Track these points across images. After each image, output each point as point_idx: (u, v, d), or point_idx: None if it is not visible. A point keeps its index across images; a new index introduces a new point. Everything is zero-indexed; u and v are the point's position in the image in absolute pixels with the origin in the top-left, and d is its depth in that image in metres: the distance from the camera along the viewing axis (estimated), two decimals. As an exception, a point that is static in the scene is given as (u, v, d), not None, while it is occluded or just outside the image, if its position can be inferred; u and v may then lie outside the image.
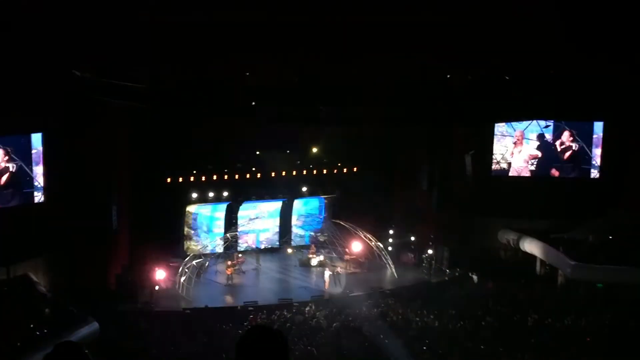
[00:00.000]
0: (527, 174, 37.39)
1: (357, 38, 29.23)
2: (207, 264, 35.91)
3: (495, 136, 37.43)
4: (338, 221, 38.79)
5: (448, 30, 29.95)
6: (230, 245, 37.97)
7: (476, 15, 30.52)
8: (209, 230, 38.79)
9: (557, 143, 36.77)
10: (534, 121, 36.81)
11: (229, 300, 33.43)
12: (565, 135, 36.68)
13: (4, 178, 29.18)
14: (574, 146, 36.64)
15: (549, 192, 35.80)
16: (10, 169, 29.24)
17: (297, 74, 30.86)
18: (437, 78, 32.04)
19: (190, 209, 37.98)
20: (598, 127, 36.72)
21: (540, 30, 30.02)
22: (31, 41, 26.42)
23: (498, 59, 31.35)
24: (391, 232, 40.67)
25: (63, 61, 27.79)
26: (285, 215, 40.38)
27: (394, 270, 36.42)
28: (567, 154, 36.76)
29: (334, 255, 38.03)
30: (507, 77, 32.50)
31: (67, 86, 28.41)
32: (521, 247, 35.22)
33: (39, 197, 30.12)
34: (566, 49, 30.51)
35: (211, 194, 37.90)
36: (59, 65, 27.72)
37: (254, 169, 39.31)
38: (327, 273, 34.68)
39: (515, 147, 37.29)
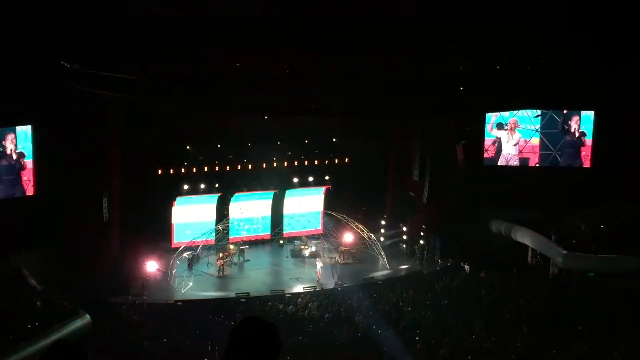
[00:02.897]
0: (516, 163, 37.45)
1: (350, 30, 29.16)
2: (198, 256, 35.89)
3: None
4: (330, 212, 38.86)
5: (441, 21, 29.93)
6: (222, 237, 37.96)
7: (468, 6, 30.55)
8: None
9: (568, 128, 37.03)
10: (525, 111, 36.95)
11: (220, 292, 33.34)
12: (574, 120, 36.87)
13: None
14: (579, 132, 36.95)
15: (541, 182, 35.87)
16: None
17: (289, 66, 30.75)
18: (427, 69, 31.96)
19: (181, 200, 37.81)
20: (589, 116, 36.87)
21: (531, 19, 30.05)
22: (20, 32, 26.25)
23: (490, 49, 31.31)
24: (383, 222, 40.76)
25: (52, 53, 27.64)
26: (277, 207, 40.33)
27: (386, 261, 36.46)
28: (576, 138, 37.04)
29: (326, 246, 38.15)
30: (498, 67, 32.47)
31: (56, 78, 28.24)
32: (513, 237, 35.26)
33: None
34: (558, 38, 30.51)
35: (202, 186, 37.88)
36: (48, 56, 27.55)
37: (245, 160, 39.31)
38: (319, 264, 34.66)
39: (508, 135, 37.36)
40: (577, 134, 36.91)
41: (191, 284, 32.96)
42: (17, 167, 29.95)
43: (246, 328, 4.32)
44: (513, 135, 37.35)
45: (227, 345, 4.26)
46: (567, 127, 37.01)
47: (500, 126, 37.43)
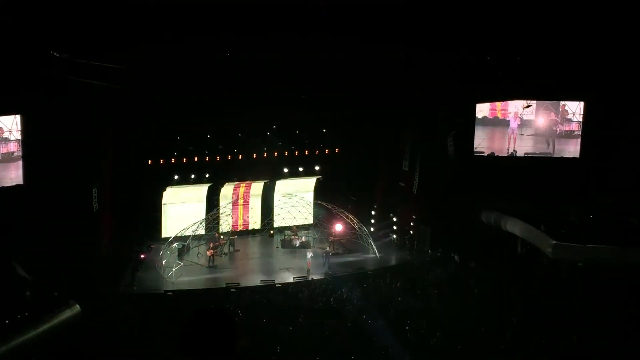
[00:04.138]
0: (507, 154, 37.46)
1: (341, 20, 29.07)
2: (188, 246, 35.85)
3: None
4: (321, 202, 38.88)
5: (430, 11, 29.87)
6: (212, 227, 37.95)
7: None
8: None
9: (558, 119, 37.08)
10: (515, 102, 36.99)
11: (210, 282, 33.32)
12: (565, 111, 36.97)
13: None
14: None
15: (531, 172, 35.91)
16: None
17: (281, 57, 30.70)
18: (419, 59, 31.95)
19: (171, 190, 37.75)
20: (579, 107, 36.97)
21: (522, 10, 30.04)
22: (8, 21, 26.08)
23: (480, 39, 31.28)
24: (373, 213, 40.80)
25: (41, 42, 27.48)
26: (267, 197, 40.34)
27: (376, 251, 36.51)
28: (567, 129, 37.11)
29: (317, 236, 38.22)
30: (488, 58, 32.48)
31: (45, 67, 28.08)
32: (503, 227, 35.35)
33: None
34: (543, 28, 30.54)
35: (192, 176, 37.83)
36: (37, 45, 27.39)
37: (235, 150, 39.27)
38: (309, 254, 34.68)
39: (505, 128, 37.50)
40: (567, 125, 36.96)
41: (181, 274, 32.93)
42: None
43: (200, 320, 4.31)
44: (507, 129, 37.36)
45: (181, 337, 4.25)
46: (557, 118, 37.07)
47: (495, 121, 37.46)
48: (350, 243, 37.93)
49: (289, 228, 40.05)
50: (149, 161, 36.85)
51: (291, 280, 32.85)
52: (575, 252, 31.36)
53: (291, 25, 28.68)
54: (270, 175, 39.95)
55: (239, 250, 37.48)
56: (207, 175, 38.37)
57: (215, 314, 4.36)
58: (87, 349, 23.12)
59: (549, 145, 37.22)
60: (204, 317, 4.34)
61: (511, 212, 35.22)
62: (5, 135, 29.76)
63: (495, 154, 37.42)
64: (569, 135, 37.03)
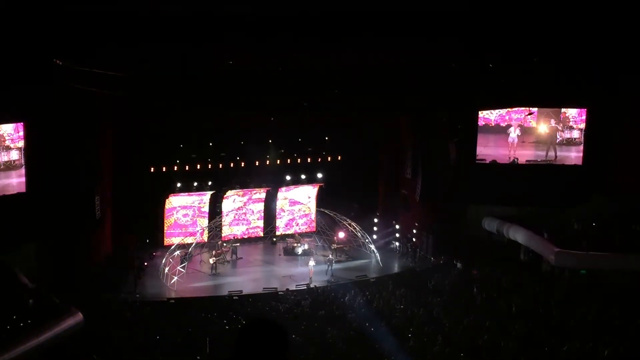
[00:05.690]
0: (509, 160, 37.34)
1: (340, 26, 29.12)
2: (190, 254, 35.85)
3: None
4: (323, 210, 38.88)
5: (432, 17, 29.90)
6: (214, 234, 37.97)
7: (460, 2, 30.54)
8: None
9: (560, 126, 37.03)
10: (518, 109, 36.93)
11: (213, 289, 33.30)
12: (567, 118, 36.91)
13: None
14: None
15: (533, 179, 35.86)
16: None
17: (280, 63, 30.73)
18: (420, 65, 31.96)
19: (173, 198, 37.83)
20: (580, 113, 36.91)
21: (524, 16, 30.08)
22: (13, 29, 26.17)
23: (482, 46, 31.30)
24: (376, 220, 40.79)
25: (44, 49, 27.55)
26: (270, 204, 40.36)
27: (378, 258, 36.49)
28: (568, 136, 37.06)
29: (319, 243, 38.22)
30: (490, 65, 32.47)
31: (48, 75, 28.14)
32: (505, 234, 35.30)
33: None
34: (549, 35, 30.55)
35: (195, 184, 37.88)
36: (42, 53, 27.47)
37: (238, 158, 39.32)
38: (312, 262, 34.67)
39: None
40: (569, 132, 36.91)
41: (183, 281, 32.91)
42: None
43: (255, 330, 4.28)
44: (509, 136, 37.26)
45: (236, 346, 4.22)
46: (559, 125, 37.01)
47: (497, 128, 37.35)
48: (352, 250, 37.91)
49: (292, 235, 40.04)
50: (152, 168, 36.91)
51: (294, 287, 32.80)
52: (578, 259, 31.30)
53: (291, 30, 28.75)
54: (273, 182, 39.99)
55: (241, 257, 37.47)
56: (209, 183, 38.42)
57: (271, 325, 4.34)
58: (89, 356, 23.09)
59: (549, 153, 37.08)
60: (262, 327, 4.32)
61: (513, 219, 35.18)
62: (7, 143, 29.74)
63: (497, 162, 37.31)
64: (571, 142, 36.93)
